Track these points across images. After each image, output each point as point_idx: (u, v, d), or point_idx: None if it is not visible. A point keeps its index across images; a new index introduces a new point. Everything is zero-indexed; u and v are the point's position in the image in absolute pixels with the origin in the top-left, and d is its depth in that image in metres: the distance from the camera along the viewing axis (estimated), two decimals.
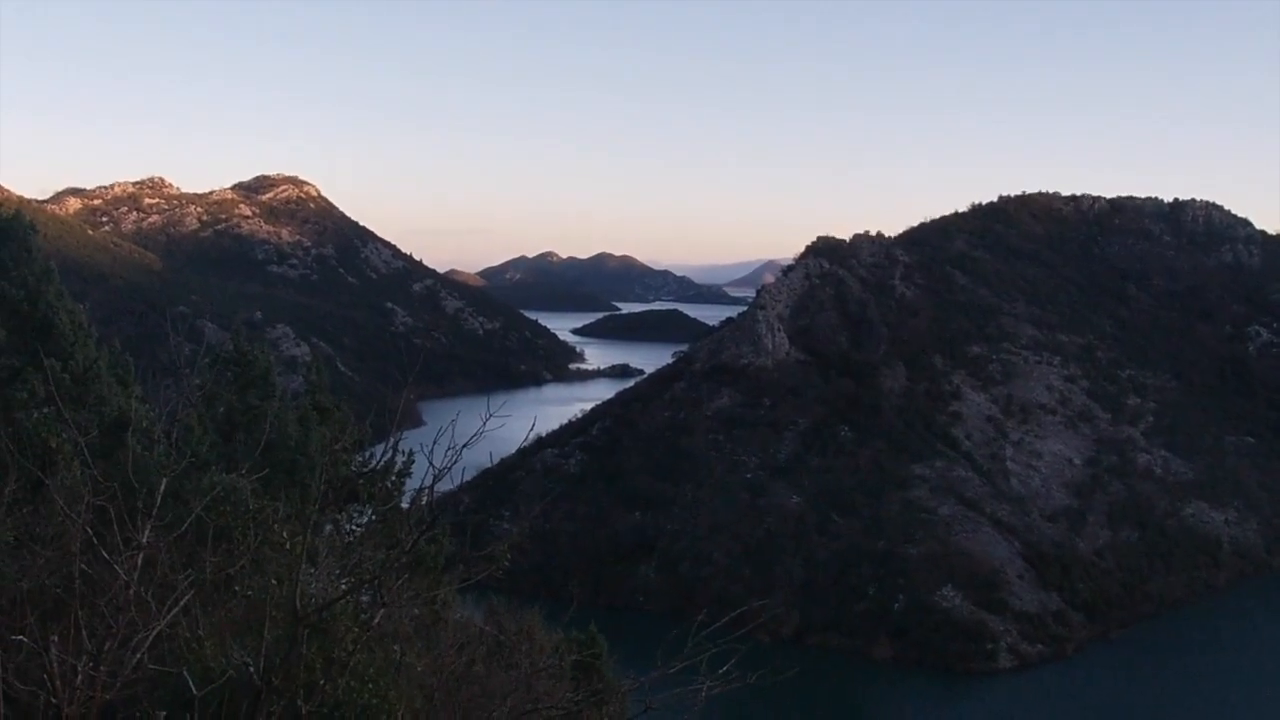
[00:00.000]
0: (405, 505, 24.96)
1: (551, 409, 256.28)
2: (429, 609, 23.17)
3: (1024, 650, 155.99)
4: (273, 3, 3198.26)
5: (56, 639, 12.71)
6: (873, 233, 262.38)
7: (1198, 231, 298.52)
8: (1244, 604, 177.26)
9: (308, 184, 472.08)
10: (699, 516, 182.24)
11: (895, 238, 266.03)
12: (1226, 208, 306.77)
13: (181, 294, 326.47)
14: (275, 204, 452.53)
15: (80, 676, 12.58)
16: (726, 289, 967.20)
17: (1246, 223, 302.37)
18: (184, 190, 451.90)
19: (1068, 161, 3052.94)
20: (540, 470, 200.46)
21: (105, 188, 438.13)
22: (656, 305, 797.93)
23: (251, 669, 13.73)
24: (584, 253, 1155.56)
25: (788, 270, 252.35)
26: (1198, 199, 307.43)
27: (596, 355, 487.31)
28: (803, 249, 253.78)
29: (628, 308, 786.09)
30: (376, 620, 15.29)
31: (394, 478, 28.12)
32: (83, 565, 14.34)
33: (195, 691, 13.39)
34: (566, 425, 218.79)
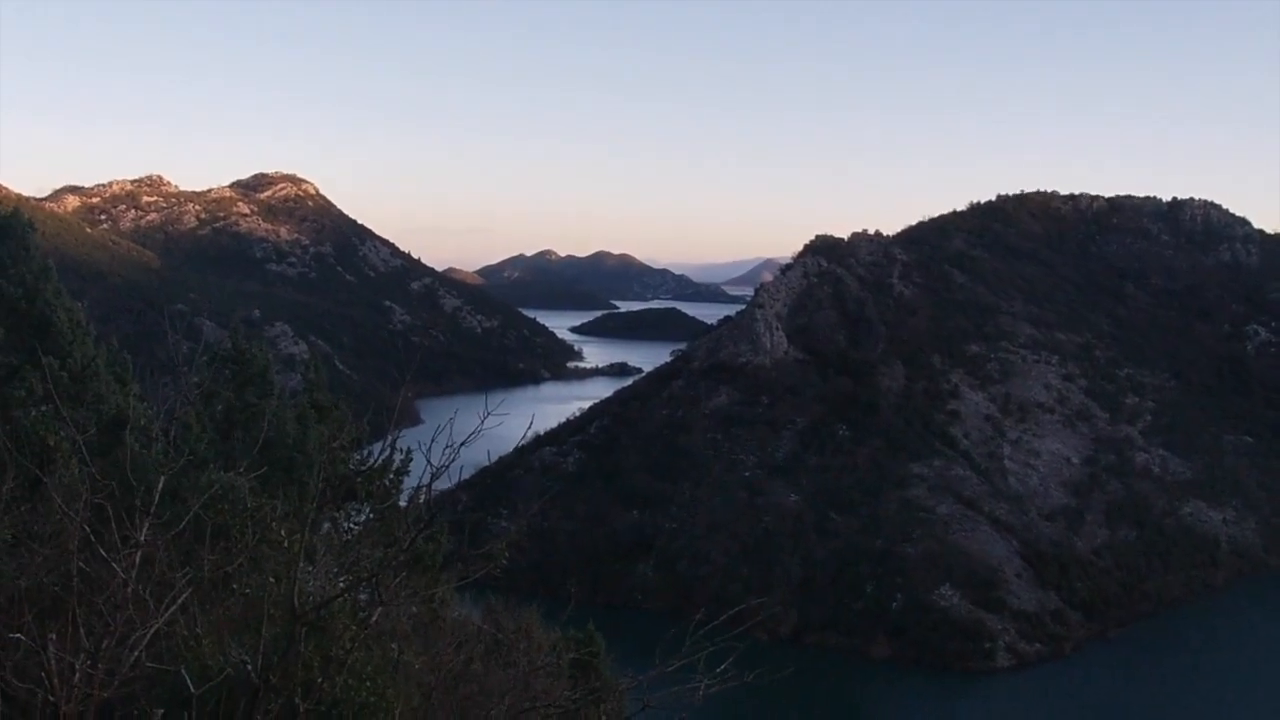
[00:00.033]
0: (403, 503, 24.92)
1: (549, 407, 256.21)
2: (427, 607, 23.17)
3: (1022, 649, 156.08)
4: (272, 2, 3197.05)
5: (54, 637, 12.69)
6: (871, 231, 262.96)
7: (1196, 231, 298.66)
8: (1241, 603, 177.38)
9: (306, 182, 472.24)
10: (697, 515, 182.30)
11: (893, 236, 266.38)
12: (1225, 207, 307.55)
13: (180, 292, 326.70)
14: (273, 202, 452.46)
15: (78, 674, 12.57)
16: (725, 287, 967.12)
17: (1245, 222, 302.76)
18: (182, 188, 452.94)
19: (1066, 161, 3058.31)
20: (538, 468, 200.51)
21: (103, 186, 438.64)
22: (654, 304, 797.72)
23: (249, 667, 13.73)
24: (582, 251, 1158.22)
25: (786, 269, 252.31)
26: (1196, 198, 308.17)
27: (594, 354, 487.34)
28: (801, 248, 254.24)
29: (626, 306, 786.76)
30: (374, 618, 15.29)
31: (392, 476, 28.07)
32: (81, 563, 14.33)
33: (193, 689, 13.39)
34: (565, 424, 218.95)
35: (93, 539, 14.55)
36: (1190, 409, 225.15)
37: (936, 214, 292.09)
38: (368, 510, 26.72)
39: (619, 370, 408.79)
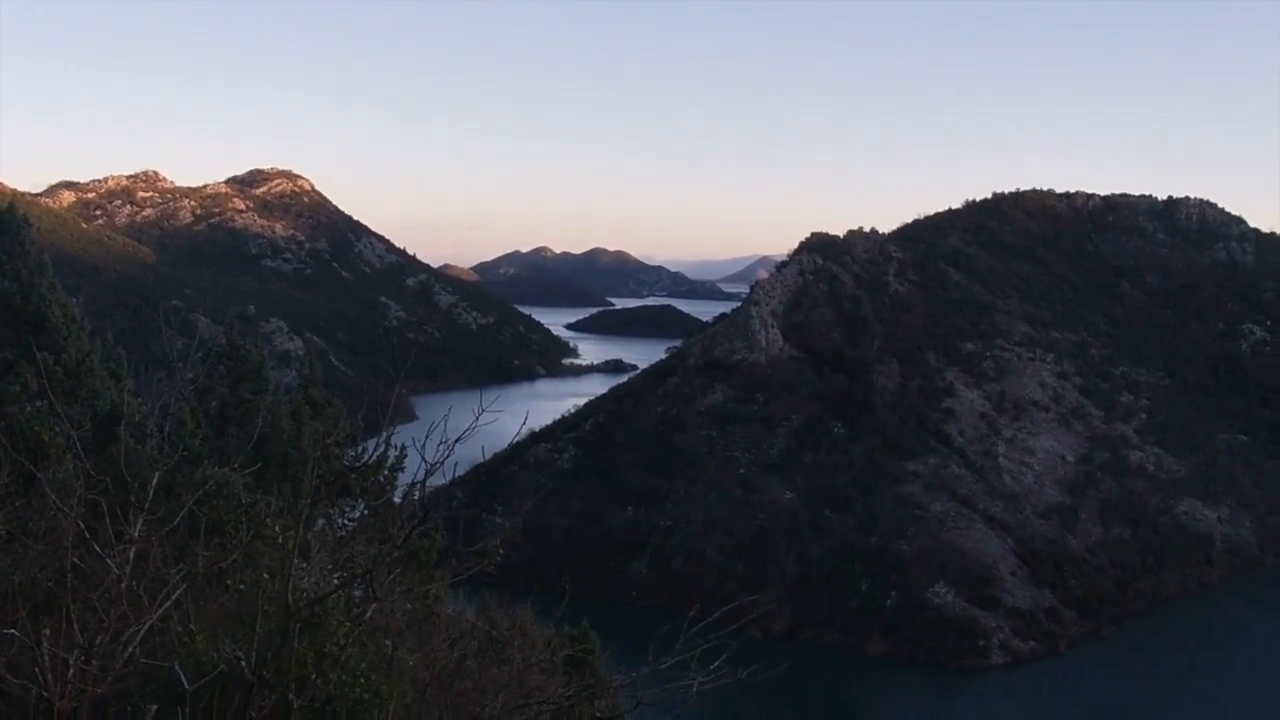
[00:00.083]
0: (398, 500, 24.93)
1: (545, 404, 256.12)
2: (421, 604, 23.16)
3: (1016, 647, 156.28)
4: None
5: (48, 633, 12.71)
6: (867, 229, 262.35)
7: (1191, 229, 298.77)
8: (1236, 602, 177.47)
9: (302, 178, 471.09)
10: (692, 512, 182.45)
11: (889, 234, 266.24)
12: (1220, 205, 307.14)
13: (175, 288, 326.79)
14: (269, 198, 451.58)
15: (72, 670, 12.58)
16: (720, 285, 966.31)
17: (1240, 221, 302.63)
18: (178, 184, 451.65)
19: (1061, 159, 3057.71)
20: (533, 465, 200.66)
21: (99, 181, 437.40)
22: (650, 301, 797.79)
23: (243, 663, 13.74)
24: (578, 248, 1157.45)
25: (781, 266, 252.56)
26: (1192, 197, 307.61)
27: (590, 350, 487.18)
28: (797, 245, 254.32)
29: (621, 303, 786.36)
30: (368, 615, 15.30)
31: (386, 472, 28.08)
32: (75, 559, 14.34)
33: (187, 686, 13.39)
34: (560, 420, 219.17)
35: (87, 535, 14.56)
36: (1185, 408, 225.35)
37: (932, 212, 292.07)
38: (362, 507, 26.76)
39: (614, 367, 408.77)
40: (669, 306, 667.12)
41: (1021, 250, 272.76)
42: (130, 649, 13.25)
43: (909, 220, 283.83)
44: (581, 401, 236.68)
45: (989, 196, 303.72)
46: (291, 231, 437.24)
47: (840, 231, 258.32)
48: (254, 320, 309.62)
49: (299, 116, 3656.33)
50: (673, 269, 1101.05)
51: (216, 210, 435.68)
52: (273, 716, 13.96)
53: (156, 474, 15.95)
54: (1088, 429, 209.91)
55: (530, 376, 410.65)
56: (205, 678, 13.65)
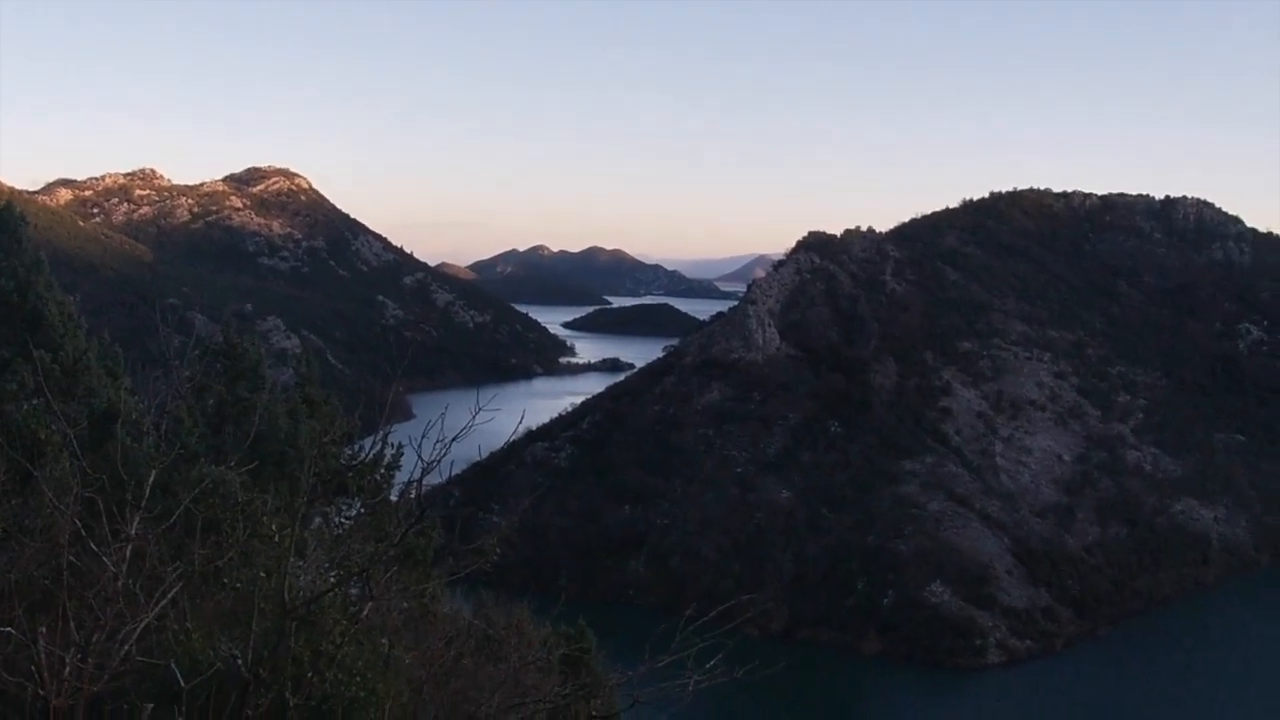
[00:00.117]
0: (394, 498, 24.94)
1: (541, 403, 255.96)
2: (417, 602, 23.17)
3: (1013, 646, 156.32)
4: None
5: (44, 631, 12.71)
6: (864, 228, 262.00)
7: (1188, 229, 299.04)
8: (1232, 601, 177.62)
9: (299, 176, 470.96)
10: (689, 511, 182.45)
11: (886, 233, 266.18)
12: (1217, 205, 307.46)
13: (172, 286, 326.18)
14: (266, 196, 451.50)
15: (68, 668, 12.58)
16: (717, 283, 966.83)
17: (1237, 220, 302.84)
18: (175, 182, 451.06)
19: (1059, 158, 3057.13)
20: (530, 464, 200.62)
21: (96, 179, 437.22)
22: (647, 299, 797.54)
23: (239, 661, 13.74)
24: (575, 246, 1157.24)
25: (778, 265, 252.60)
26: (1189, 196, 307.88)
27: (587, 349, 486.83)
28: (794, 244, 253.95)
29: (618, 302, 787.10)
30: (365, 613, 15.32)
31: (383, 471, 28.07)
32: (71, 557, 14.35)
33: (183, 684, 13.39)
34: (556, 419, 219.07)
35: (83, 533, 14.57)
36: (1182, 407, 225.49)
37: (929, 211, 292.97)
38: (359, 505, 26.73)
39: (611, 366, 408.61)
40: (666, 305, 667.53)
41: (1019, 250, 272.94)
42: (127, 647, 13.25)
43: (906, 219, 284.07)
44: (578, 400, 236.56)
45: (986, 196, 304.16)
46: (289, 230, 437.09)
47: (837, 231, 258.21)
48: (251, 318, 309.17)
49: (296, 115, 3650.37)
50: (670, 268, 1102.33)
51: (214, 208, 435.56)
52: (269, 715, 13.97)
53: (153, 472, 15.96)
54: (1085, 428, 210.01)
55: (527, 375, 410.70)
56: (201, 676, 13.66)
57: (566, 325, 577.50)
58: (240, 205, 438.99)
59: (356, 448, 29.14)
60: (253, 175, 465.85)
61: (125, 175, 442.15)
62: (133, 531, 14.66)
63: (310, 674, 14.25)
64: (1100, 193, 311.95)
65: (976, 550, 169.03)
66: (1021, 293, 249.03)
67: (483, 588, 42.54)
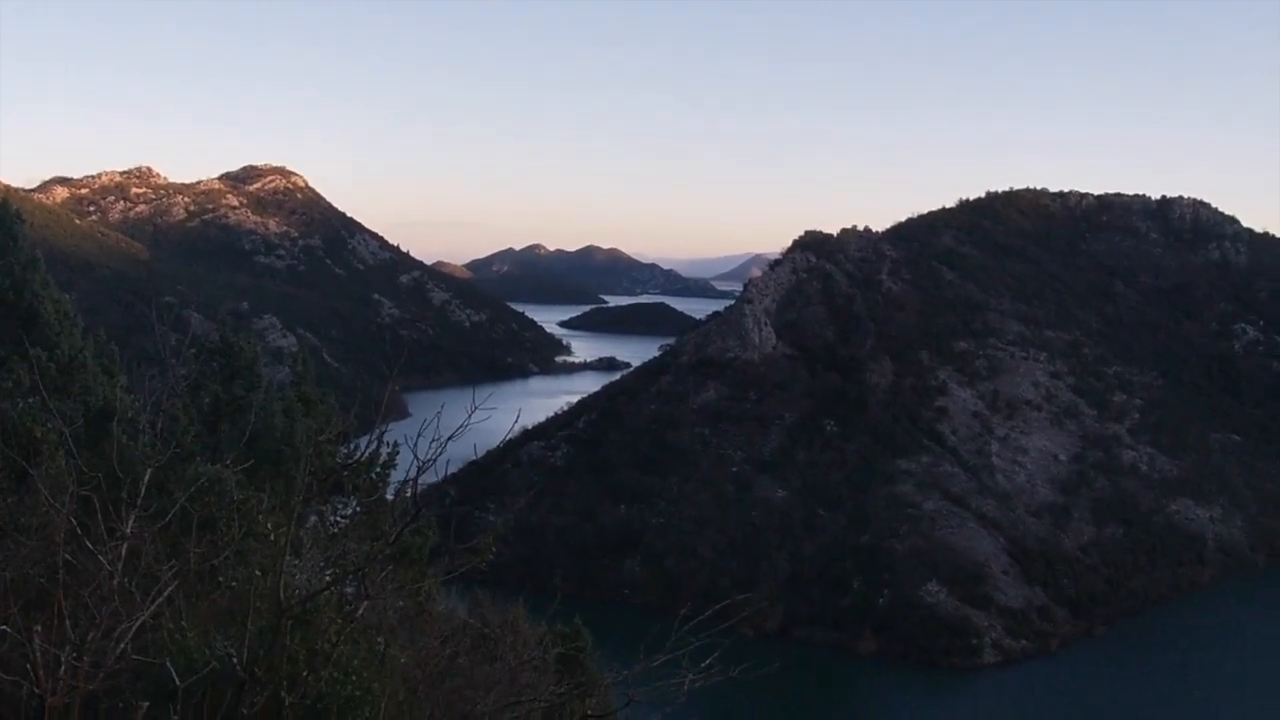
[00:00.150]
0: (390, 497, 24.93)
1: (537, 401, 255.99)
2: (413, 601, 23.17)
3: (1008, 646, 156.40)
4: None
5: (40, 629, 12.69)
6: (860, 228, 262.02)
7: (1185, 229, 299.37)
8: (1228, 601, 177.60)
9: (295, 175, 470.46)
10: (685, 510, 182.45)
11: (882, 233, 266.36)
12: (1214, 205, 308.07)
13: (168, 284, 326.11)
14: (263, 194, 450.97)
15: (64, 667, 12.57)
16: (713, 283, 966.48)
17: (1234, 220, 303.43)
18: (171, 180, 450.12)
19: (1056, 158, 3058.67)
20: (526, 463, 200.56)
21: (92, 177, 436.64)
22: (643, 298, 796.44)
23: (235, 660, 13.73)
24: (571, 245, 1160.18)
25: (775, 264, 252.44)
26: (1185, 196, 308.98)
27: (583, 348, 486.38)
28: (790, 243, 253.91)
29: (615, 301, 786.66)
30: (360, 612, 15.30)
31: (379, 469, 28.03)
32: (67, 555, 14.31)
33: (178, 682, 13.38)
34: (553, 418, 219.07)
35: (79, 531, 14.56)
36: (1178, 407, 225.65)
37: (926, 211, 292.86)
38: (354, 504, 26.71)
39: (607, 365, 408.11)
40: (662, 304, 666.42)
41: (1015, 249, 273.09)
42: (122, 645, 13.24)
43: (903, 219, 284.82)
44: (574, 399, 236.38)
45: (983, 195, 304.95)
46: (285, 228, 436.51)
47: (834, 230, 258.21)
48: (247, 317, 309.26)
49: (293, 114, 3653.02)
50: (666, 267, 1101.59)
51: (210, 206, 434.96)
52: (264, 713, 13.96)
53: (149, 470, 15.95)
54: (1080, 428, 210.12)
55: (523, 374, 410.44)
56: (197, 674, 13.65)
57: (563, 324, 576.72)
58: (236, 204, 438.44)
59: (352, 446, 29.11)
60: (249, 174, 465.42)
61: (121, 173, 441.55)
62: (128, 530, 14.65)
63: (305, 672, 14.24)
64: (1096, 193, 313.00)
65: (972, 550, 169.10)
66: (1018, 292, 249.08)
67: (478, 587, 42.50)
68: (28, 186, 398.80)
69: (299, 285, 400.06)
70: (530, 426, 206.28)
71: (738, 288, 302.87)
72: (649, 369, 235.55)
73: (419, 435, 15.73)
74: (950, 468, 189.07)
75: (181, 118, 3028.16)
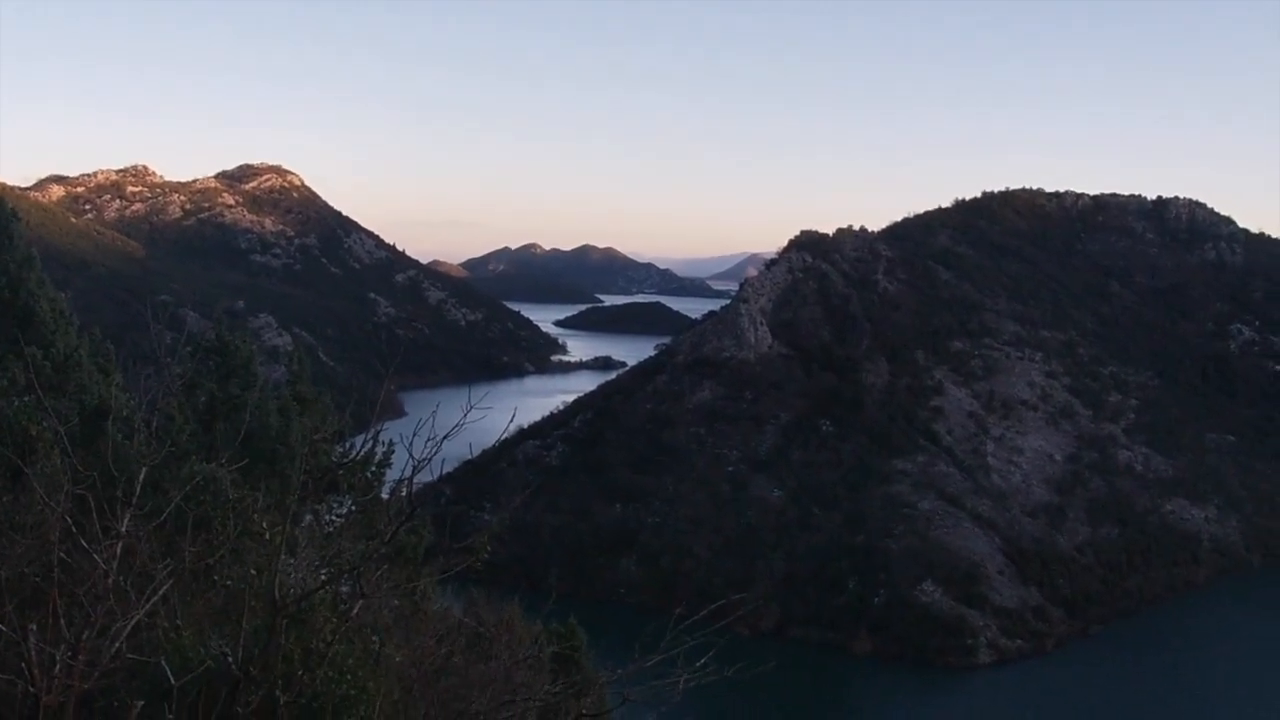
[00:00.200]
0: (385, 496, 24.93)
1: (533, 401, 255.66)
2: (408, 600, 23.16)
3: (1003, 645, 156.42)
4: None
5: (35, 628, 12.68)
6: (856, 227, 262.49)
7: (1180, 229, 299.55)
8: (1223, 601, 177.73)
9: (291, 173, 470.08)
10: (680, 509, 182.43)
11: (878, 232, 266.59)
12: (1209, 205, 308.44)
13: (164, 282, 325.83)
14: (259, 193, 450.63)
15: (58, 665, 12.56)
16: (709, 282, 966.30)
17: (1230, 221, 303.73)
18: (167, 178, 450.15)
19: (1051, 158, 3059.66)
20: (521, 462, 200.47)
21: (88, 175, 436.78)
22: (639, 298, 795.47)
23: (230, 659, 13.72)
24: (567, 244, 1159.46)
25: (771, 264, 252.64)
26: (1181, 197, 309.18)
27: (579, 347, 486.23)
28: (786, 243, 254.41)
29: (610, 300, 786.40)
30: (355, 611, 15.30)
31: (374, 468, 28.06)
32: (62, 554, 14.30)
33: (173, 681, 13.37)
34: (548, 417, 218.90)
35: (74, 530, 14.54)
36: (1173, 407, 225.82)
37: (922, 210, 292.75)
38: (350, 503, 26.72)
39: (603, 364, 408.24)
40: (658, 304, 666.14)
41: (1010, 249, 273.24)
42: (117, 644, 13.23)
43: (898, 219, 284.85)
44: (570, 398, 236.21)
45: (978, 195, 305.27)
46: (281, 227, 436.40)
47: (830, 230, 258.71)
48: (243, 315, 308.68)
49: (289, 112, 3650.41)
50: (662, 266, 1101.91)
51: (206, 205, 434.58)
52: (259, 712, 13.95)
53: (144, 469, 15.94)
54: (1076, 428, 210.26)
55: (519, 373, 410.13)
56: (191, 673, 13.63)
57: (558, 323, 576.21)
58: (232, 202, 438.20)
59: (348, 445, 29.17)
60: (245, 172, 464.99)
61: (117, 172, 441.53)
62: (124, 529, 14.64)
63: (301, 672, 14.22)
64: (1092, 193, 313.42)
65: (968, 550, 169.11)
66: (1013, 292, 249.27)
67: (474, 586, 42.58)
68: (23, 185, 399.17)
69: (295, 284, 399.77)
70: (526, 426, 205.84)
71: (733, 287, 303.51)
72: (645, 368, 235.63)
73: (414, 434, 15.72)
74: (946, 467, 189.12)
75: (177, 116, 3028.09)
